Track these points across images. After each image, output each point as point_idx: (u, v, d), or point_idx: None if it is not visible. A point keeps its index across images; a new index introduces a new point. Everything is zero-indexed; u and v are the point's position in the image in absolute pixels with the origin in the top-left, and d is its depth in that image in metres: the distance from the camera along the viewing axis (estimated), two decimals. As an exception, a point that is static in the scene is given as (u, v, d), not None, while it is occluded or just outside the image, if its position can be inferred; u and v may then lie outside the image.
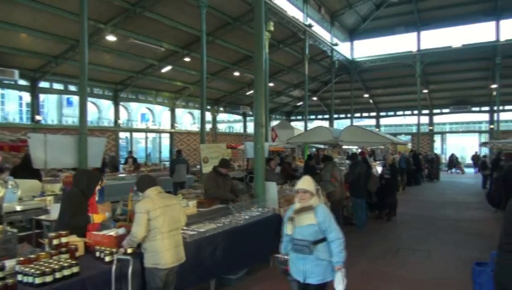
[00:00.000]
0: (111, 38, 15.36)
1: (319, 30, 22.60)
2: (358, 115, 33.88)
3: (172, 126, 24.21)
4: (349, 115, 29.11)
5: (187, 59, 18.97)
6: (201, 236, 4.79)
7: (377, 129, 30.50)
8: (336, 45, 24.52)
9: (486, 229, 9.27)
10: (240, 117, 32.03)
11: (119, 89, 20.30)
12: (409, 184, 17.87)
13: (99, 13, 13.91)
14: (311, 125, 27.00)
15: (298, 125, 24.90)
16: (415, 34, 26.74)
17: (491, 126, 27.86)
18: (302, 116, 24.96)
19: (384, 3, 25.13)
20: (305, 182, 3.80)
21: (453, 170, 28.43)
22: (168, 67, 19.65)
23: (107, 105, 24.61)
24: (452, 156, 29.18)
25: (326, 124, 31.76)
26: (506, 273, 2.86)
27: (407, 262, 6.86)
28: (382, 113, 34.10)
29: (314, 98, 31.87)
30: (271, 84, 24.13)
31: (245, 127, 31.54)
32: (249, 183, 9.83)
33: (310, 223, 3.61)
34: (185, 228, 4.67)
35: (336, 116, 31.49)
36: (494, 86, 23.98)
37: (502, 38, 23.93)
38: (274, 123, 27.70)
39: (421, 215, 11.23)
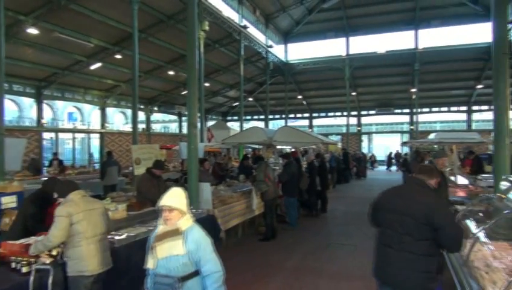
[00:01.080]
0: (33, 31, 14.23)
1: (254, 32, 22.94)
2: (292, 115, 34.90)
3: (103, 126, 23.07)
4: (283, 116, 29.90)
5: (118, 56, 18.18)
6: (131, 240, 4.62)
7: (310, 129, 31.67)
8: (271, 47, 25.05)
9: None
10: (175, 117, 31.43)
11: (42, 86, 18.86)
12: (339, 182, 18.75)
13: (20, 3, 12.83)
14: (247, 125, 27.28)
15: (235, 126, 25.05)
16: (344, 39, 28.21)
17: (411, 127, 30.25)
18: (238, 116, 25.17)
19: (316, 9, 26.16)
20: (172, 197, 2.81)
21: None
22: (98, 65, 18.69)
23: (28, 103, 22.76)
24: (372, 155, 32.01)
25: (262, 124, 32.26)
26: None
27: (336, 256, 7.20)
28: (315, 114, 35.47)
29: (250, 99, 32.28)
30: (207, 84, 23.98)
31: (180, 127, 31.03)
32: (184, 184, 9.68)
33: (176, 253, 2.70)
34: (113, 232, 4.48)
35: (271, 116, 32.14)
36: (413, 90, 26.07)
37: (420, 46, 26.12)
38: (210, 123, 27.60)
39: (350, 211, 11.85)
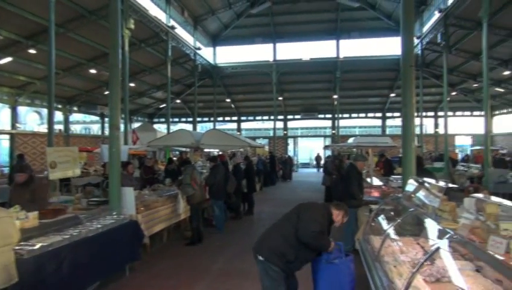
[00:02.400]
0: None
1: (182, 33, 22.58)
2: (221, 118, 34.95)
3: (14, 126, 21.03)
4: (212, 119, 29.81)
5: (32, 51, 16.72)
6: (44, 251, 4.27)
7: (238, 133, 31.94)
8: (199, 49, 24.86)
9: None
10: (97, 118, 29.74)
11: None
12: (266, 184, 19.15)
13: None
14: (175, 128, 26.73)
15: (161, 128, 24.40)
16: (271, 45, 28.97)
17: (333, 131, 31.96)
18: (166, 118, 24.58)
19: (245, 14, 26.53)
20: None
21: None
22: (8, 59, 17.02)
23: None
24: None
25: (190, 127, 31.83)
26: None
27: (261, 258, 7.31)
28: (243, 118, 35.89)
29: (178, 101, 31.69)
30: (132, 85, 23.07)
31: (103, 128, 29.42)
32: (106, 189, 9.20)
33: None
34: (22, 243, 4.12)
35: (199, 119, 31.82)
36: (335, 96, 27.59)
37: (341, 55, 27.77)
38: (136, 125, 26.57)
39: (276, 213, 12.07)
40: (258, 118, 35.97)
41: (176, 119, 35.15)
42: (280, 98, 30.73)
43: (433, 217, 3.66)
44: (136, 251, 6.06)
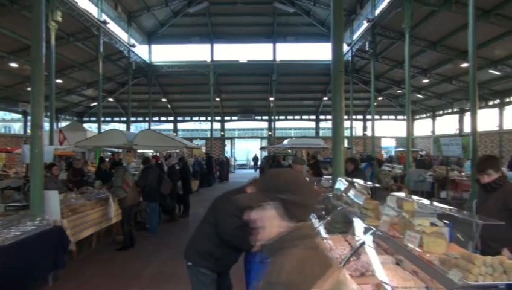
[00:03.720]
0: None
1: (115, 29, 21.63)
2: (156, 118, 34.04)
3: None
4: (147, 119, 28.90)
5: None
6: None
7: (174, 133, 31.35)
8: (134, 46, 24.00)
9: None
10: (19, 116, 27.44)
11: None
12: (202, 186, 18.98)
13: None
14: (107, 127, 25.57)
15: (93, 127, 23.14)
16: (209, 45, 28.82)
17: (270, 133, 32.59)
18: (97, 117, 23.37)
19: (182, 12, 26.10)
20: None
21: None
22: None
23: None
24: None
25: (123, 127, 30.62)
26: None
27: (196, 260, 7.23)
28: (179, 118, 35.27)
29: (111, 99, 30.30)
30: (59, 81, 21.68)
31: (25, 127, 27.20)
32: (27, 192, 8.52)
33: None
34: None
35: (133, 119, 30.75)
36: (271, 98, 28.17)
37: (278, 58, 28.43)
38: (63, 124, 24.94)
39: (212, 214, 12.08)
40: (195, 118, 35.59)
41: (109, 119, 33.66)
42: (217, 99, 30.70)
43: (359, 214, 3.88)
44: (60, 259, 5.67)
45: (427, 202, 2.99)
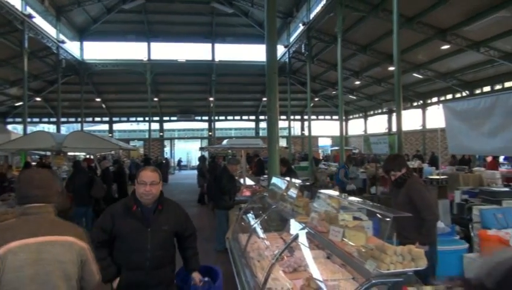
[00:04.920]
0: None
1: (42, 23, 20.23)
2: (90, 119, 32.42)
3: None
4: (79, 119, 27.40)
5: None
6: None
7: (110, 135, 30.06)
8: (63, 42, 22.61)
9: (201, 224, 10.61)
10: None
11: None
12: (140, 188, 18.39)
13: None
14: (36, 129, 23.87)
15: (19, 129, 21.46)
16: (145, 44, 28.00)
17: (210, 133, 32.43)
18: (22, 118, 21.69)
19: (116, 8, 25.07)
20: None
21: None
22: None
23: None
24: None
25: (53, 128, 28.74)
26: None
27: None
28: (115, 119, 33.87)
29: (38, 99, 28.24)
30: (-23, 79, 19.82)
31: None
32: None
33: None
34: None
35: (64, 120, 29.01)
36: (211, 98, 28.06)
37: (217, 58, 28.38)
38: (-18, 126, 22.82)
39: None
40: (132, 119, 34.37)
41: (37, 120, 31.45)
42: (155, 99, 29.91)
43: (291, 212, 4.01)
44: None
45: (351, 198, 3.18)
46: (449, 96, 21.46)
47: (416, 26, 15.47)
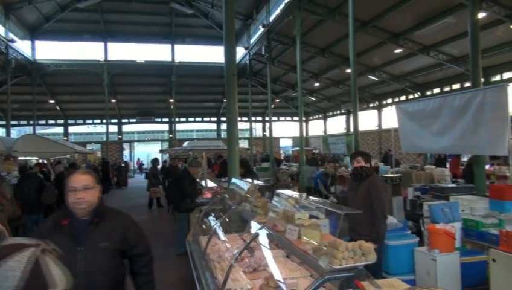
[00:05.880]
0: None
1: (-12, 21, 19.12)
2: (43, 122, 30.96)
3: None
4: (31, 122, 26.10)
5: None
6: None
7: (65, 138, 28.87)
8: (13, 41, 21.46)
9: (160, 228, 10.45)
10: None
11: None
12: (98, 193, 17.82)
13: None
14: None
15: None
16: (102, 44, 27.16)
17: (170, 135, 31.95)
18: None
19: (70, 7, 24.12)
20: None
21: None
22: None
23: None
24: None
25: (2, 131, 27.19)
26: None
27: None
28: (71, 121, 32.56)
29: (-15, 101, 26.65)
30: None
31: None
32: None
33: None
34: None
35: (14, 122, 27.54)
36: (171, 100, 27.66)
37: (177, 60, 28.02)
38: None
39: (108, 223, 11.45)
40: (88, 121, 33.17)
41: (-17, 123, 29.62)
42: (113, 101, 29.06)
43: (250, 213, 4.05)
44: None
45: (306, 198, 3.27)
46: (402, 98, 22.41)
47: (371, 30, 16.05)
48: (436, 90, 19.90)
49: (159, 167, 15.40)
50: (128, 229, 2.43)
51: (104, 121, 26.83)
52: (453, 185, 7.65)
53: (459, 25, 12.63)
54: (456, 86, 18.62)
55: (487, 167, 10.54)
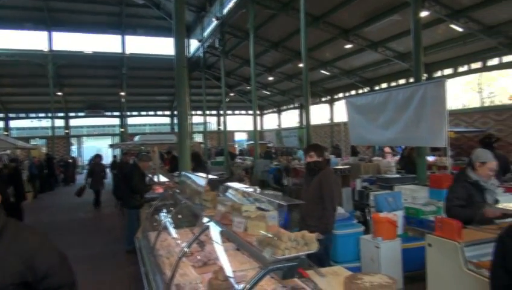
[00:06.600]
0: None
1: None
2: (-20, 115, 28.85)
3: None
4: (-33, 116, 24.26)
5: None
6: None
7: (6, 133, 27.09)
8: None
9: (109, 225, 10.14)
10: None
11: None
12: (43, 190, 16.95)
13: None
14: None
15: None
16: (46, 33, 25.65)
17: (122, 129, 30.90)
18: None
19: (9, -8, 22.58)
20: None
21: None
22: None
23: None
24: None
25: None
26: None
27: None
28: (12, 115, 30.51)
29: None
30: None
31: None
32: None
33: None
34: None
35: None
36: (122, 93, 26.73)
37: (127, 51, 27.07)
38: None
39: (54, 221, 10.95)
40: (32, 115, 31.23)
41: None
42: (59, 93, 27.54)
43: (199, 206, 4.02)
44: None
45: (254, 191, 3.28)
46: (353, 92, 23.15)
47: (322, 26, 16.38)
48: (384, 85, 20.73)
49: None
50: (35, 254, 1.72)
51: (50, 114, 25.42)
52: (398, 176, 8.04)
53: (404, 23, 13.18)
54: (402, 81, 19.49)
55: (431, 158, 11.21)
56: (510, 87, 14.73)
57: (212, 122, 35.48)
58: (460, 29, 13.72)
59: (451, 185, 3.82)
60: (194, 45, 26.83)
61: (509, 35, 13.32)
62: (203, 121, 26.01)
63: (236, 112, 35.73)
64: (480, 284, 2.72)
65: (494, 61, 15.23)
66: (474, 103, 17.42)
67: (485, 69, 15.93)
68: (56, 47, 25.72)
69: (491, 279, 2.19)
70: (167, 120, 34.65)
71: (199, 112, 26.75)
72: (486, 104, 16.70)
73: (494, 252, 2.18)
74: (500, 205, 3.48)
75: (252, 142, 28.04)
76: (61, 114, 29.86)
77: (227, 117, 20.99)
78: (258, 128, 27.40)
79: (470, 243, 3.06)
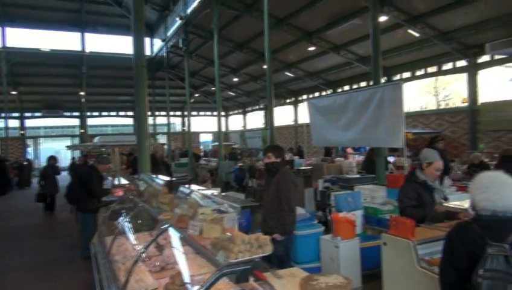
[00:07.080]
0: None
1: None
2: None
3: None
4: None
5: None
6: None
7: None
8: None
9: (64, 230, 9.71)
10: None
11: None
12: (-5, 195, 16.08)
13: None
14: None
15: None
16: (-1, 28, 24.38)
17: (82, 130, 29.79)
18: None
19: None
20: None
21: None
22: None
23: None
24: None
25: None
26: None
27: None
28: (-40, 115, 28.73)
29: None
30: None
31: None
32: None
33: None
34: None
35: None
36: (82, 92, 25.79)
37: (87, 49, 26.15)
38: None
39: (5, 227, 10.39)
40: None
41: None
42: (14, 93, 26.16)
43: (156, 209, 3.90)
44: None
45: (207, 192, 3.22)
46: (317, 94, 23.50)
47: (286, 28, 16.52)
48: (347, 88, 21.19)
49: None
50: None
51: (3, 115, 24.11)
52: (358, 176, 8.21)
53: (365, 27, 13.52)
54: (363, 84, 19.99)
55: (391, 159, 11.54)
56: (463, 91, 15.46)
57: (177, 123, 34.94)
58: (417, 34, 14.25)
59: (402, 185, 3.92)
60: (157, 44, 26.32)
61: (462, 41, 14.00)
62: (166, 122, 25.54)
63: (201, 113, 35.40)
64: (431, 281, 2.79)
65: (449, 65, 15.96)
66: (430, 105, 18.19)
67: (440, 73, 16.66)
68: (10, 44, 24.45)
69: (440, 275, 2.25)
70: (130, 121, 33.74)
71: (163, 113, 26.22)
72: (442, 106, 17.48)
73: (443, 249, 2.24)
74: (447, 204, 3.61)
75: (216, 143, 27.92)
76: (16, 114, 28.40)
77: (192, 118, 20.72)
78: (223, 129, 27.32)
79: (423, 241, 3.15)
